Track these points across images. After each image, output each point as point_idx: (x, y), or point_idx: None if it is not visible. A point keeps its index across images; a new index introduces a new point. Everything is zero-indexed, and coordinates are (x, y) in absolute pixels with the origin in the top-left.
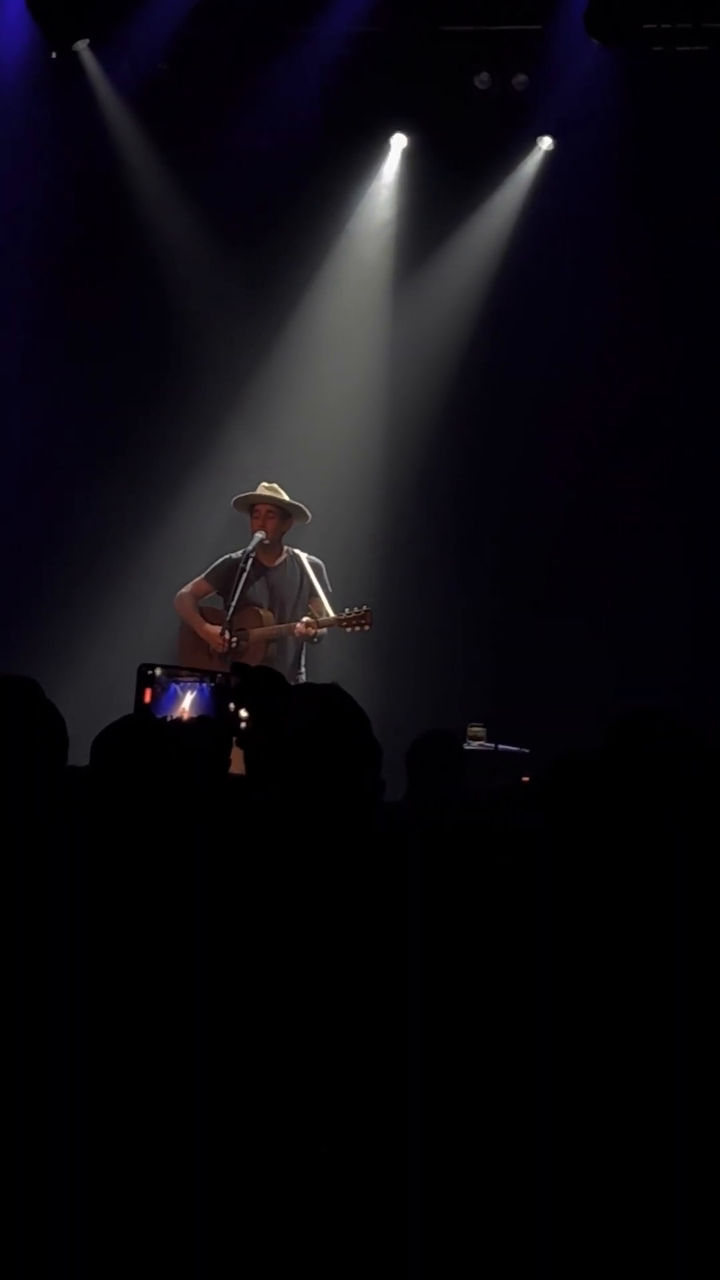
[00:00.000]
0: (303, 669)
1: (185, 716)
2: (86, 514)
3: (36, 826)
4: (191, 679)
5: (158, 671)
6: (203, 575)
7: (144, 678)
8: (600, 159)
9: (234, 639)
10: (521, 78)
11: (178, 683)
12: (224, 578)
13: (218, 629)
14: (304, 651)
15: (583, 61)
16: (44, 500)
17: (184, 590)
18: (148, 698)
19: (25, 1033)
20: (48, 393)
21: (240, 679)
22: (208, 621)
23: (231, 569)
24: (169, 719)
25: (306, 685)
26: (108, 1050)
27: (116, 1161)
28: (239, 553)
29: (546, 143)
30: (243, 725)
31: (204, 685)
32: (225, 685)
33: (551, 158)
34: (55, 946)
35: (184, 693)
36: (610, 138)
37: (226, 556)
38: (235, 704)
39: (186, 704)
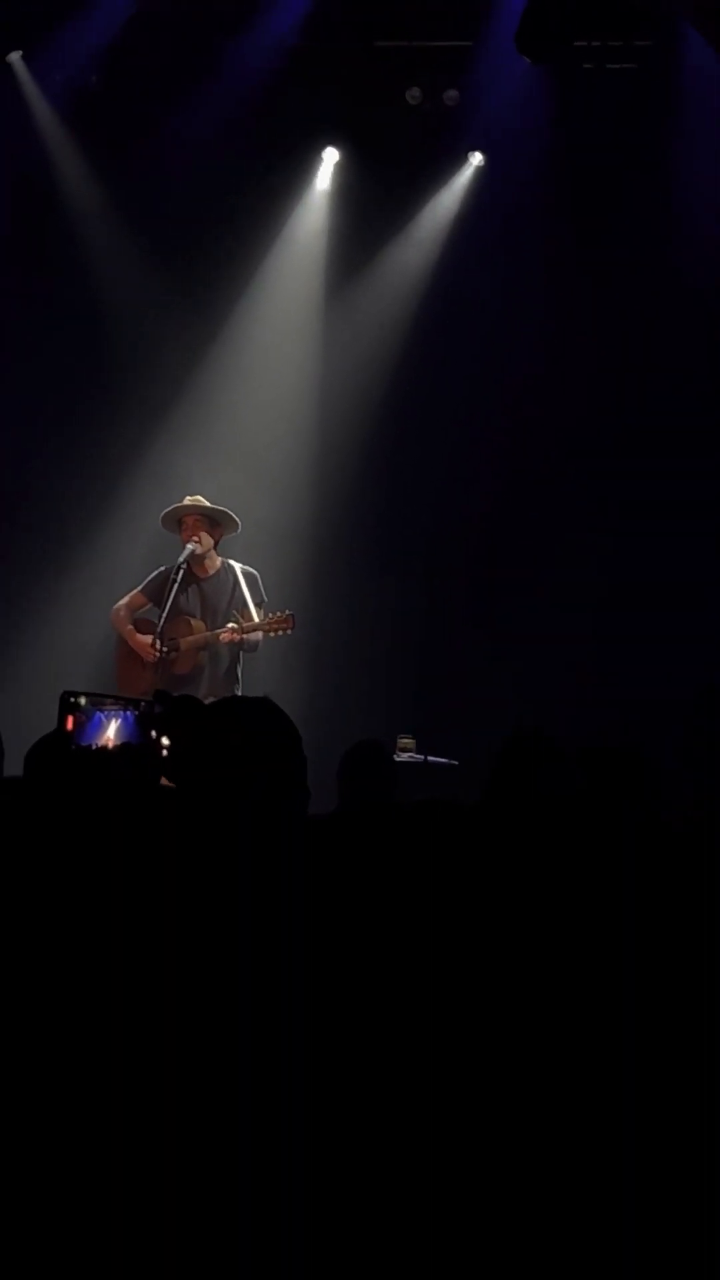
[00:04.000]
0: (239, 679)
1: (110, 744)
2: (18, 528)
3: None
4: (116, 707)
5: (82, 700)
6: (138, 588)
7: (66, 705)
8: (530, 174)
9: (165, 648)
10: (452, 93)
11: (102, 711)
12: (158, 589)
13: (149, 639)
14: (240, 662)
15: (513, 78)
16: None
17: (120, 603)
18: (70, 725)
19: None
20: None
21: (163, 706)
22: (140, 633)
23: (164, 580)
24: (93, 747)
25: (238, 698)
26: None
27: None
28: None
29: (477, 158)
30: (164, 753)
31: (128, 713)
32: (150, 712)
33: (482, 173)
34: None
35: (109, 721)
36: (540, 153)
37: (161, 569)
38: (157, 732)
39: (111, 732)
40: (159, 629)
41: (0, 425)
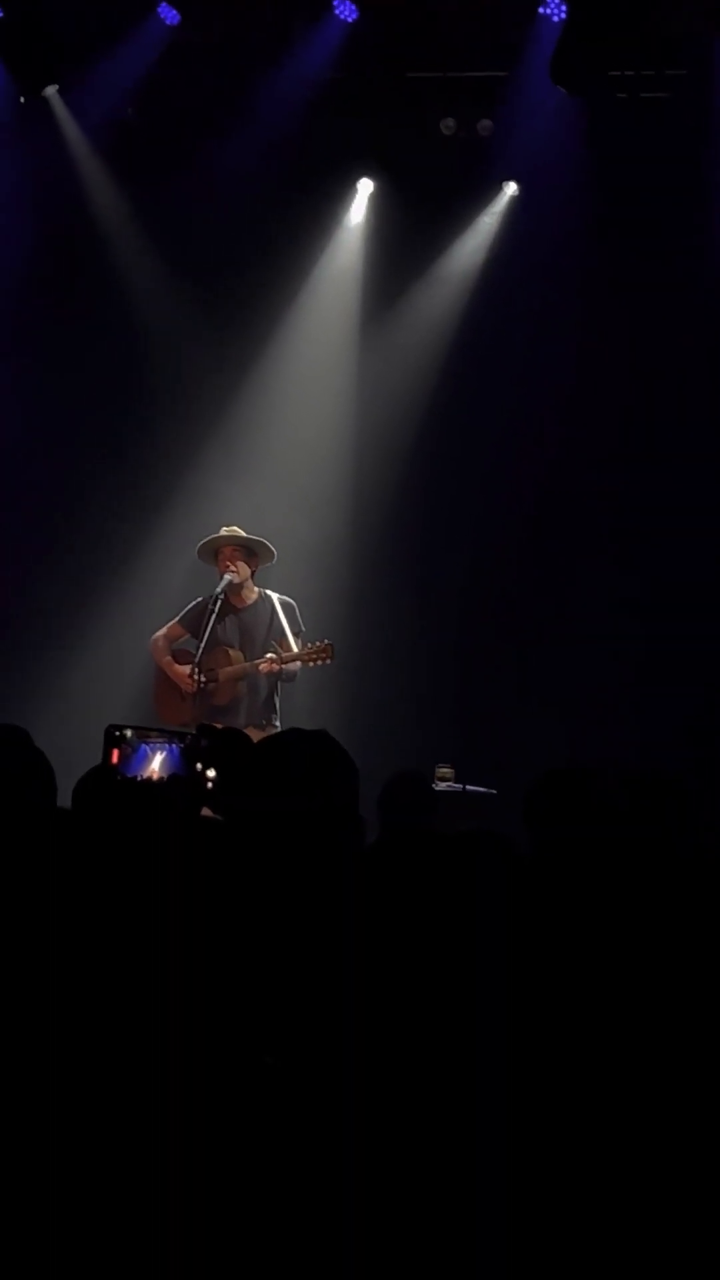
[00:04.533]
0: (276, 709)
1: (155, 776)
2: (59, 556)
3: (30, 864)
4: (161, 739)
5: (128, 733)
6: (176, 619)
7: (111, 738)
8: (564, 203)
9: (203, 679)
10: (486, 123)
11: (148, 743)
12: (196, 620)
13: (187, 669)
14: (278, 691)
15: (547, 107)
16: (11, 552)
17: (158, 634)
18: (115, 758)
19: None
20: (12, 446)
21: (208, 740)
22: (179, 664)
23: (202, 611)
24: (139, 779)
25: (298, 732)
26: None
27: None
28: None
29: (511, 188)
30: (209, 785)
31: (173, 746)
32: (196, 745)
33: (516, 202)
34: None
35: (154, 753)
36: (574, 182)
37: (199, 600)
38: (202, 765)
39: (156, 764)
40: (197, 659)
41: (41, 455)
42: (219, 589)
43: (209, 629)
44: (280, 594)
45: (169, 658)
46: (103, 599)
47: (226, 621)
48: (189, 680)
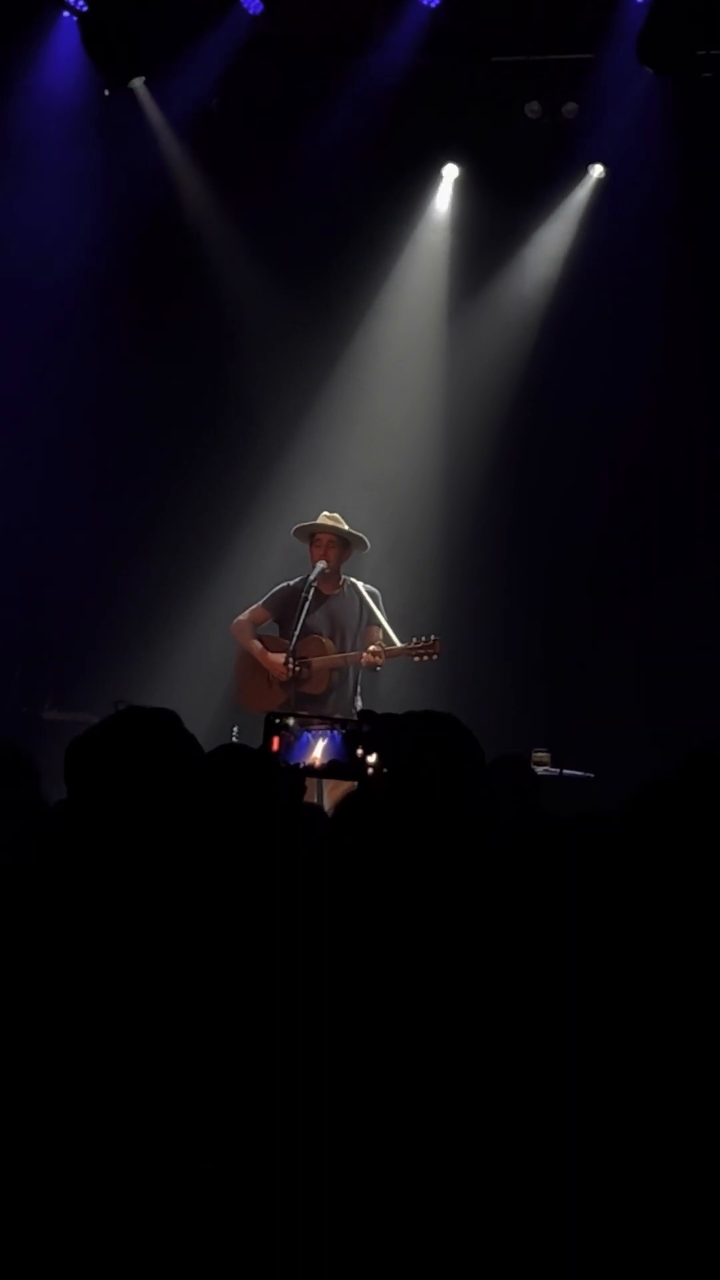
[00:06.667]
0: (359, 698)
1: (317, 763)
2: (147, 545)
3: (195, 852)
4: (323, 726)
5: (290, 721)
6: (260, 603)
7: (272, 726)
8: (650, 185)
9: (296, 667)
10: (571, 106)
11: (310, 731)
12: (281, 606)
13: (280, 657)
14: (359, 678)
15: (633, 89)
16: (105, 535)
17: (241, 617)
18: (276, 746)
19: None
20: (107, 431)
21: (370, 725)
22: (268, 650)
23: (289, 597)
24: (302, 765)
25: (430, 714)
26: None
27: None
28: (296, 581)
29: (597, 170)
30: (369, 771)
31: (335, 732)
32: (358, 731)
33: (602, 185)
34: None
35: (315, 740)
36: (661, 164)
37: (284, 584)
38: (364, 750)
39: (319, 751)
40: (292, 647)
41: (135, 449)
42: (312, 576)
43: (302, 617)
44: (366, 583)
45: (258, 643)
46: (193, 586)
47: (316, 609)
48: (282, 668)
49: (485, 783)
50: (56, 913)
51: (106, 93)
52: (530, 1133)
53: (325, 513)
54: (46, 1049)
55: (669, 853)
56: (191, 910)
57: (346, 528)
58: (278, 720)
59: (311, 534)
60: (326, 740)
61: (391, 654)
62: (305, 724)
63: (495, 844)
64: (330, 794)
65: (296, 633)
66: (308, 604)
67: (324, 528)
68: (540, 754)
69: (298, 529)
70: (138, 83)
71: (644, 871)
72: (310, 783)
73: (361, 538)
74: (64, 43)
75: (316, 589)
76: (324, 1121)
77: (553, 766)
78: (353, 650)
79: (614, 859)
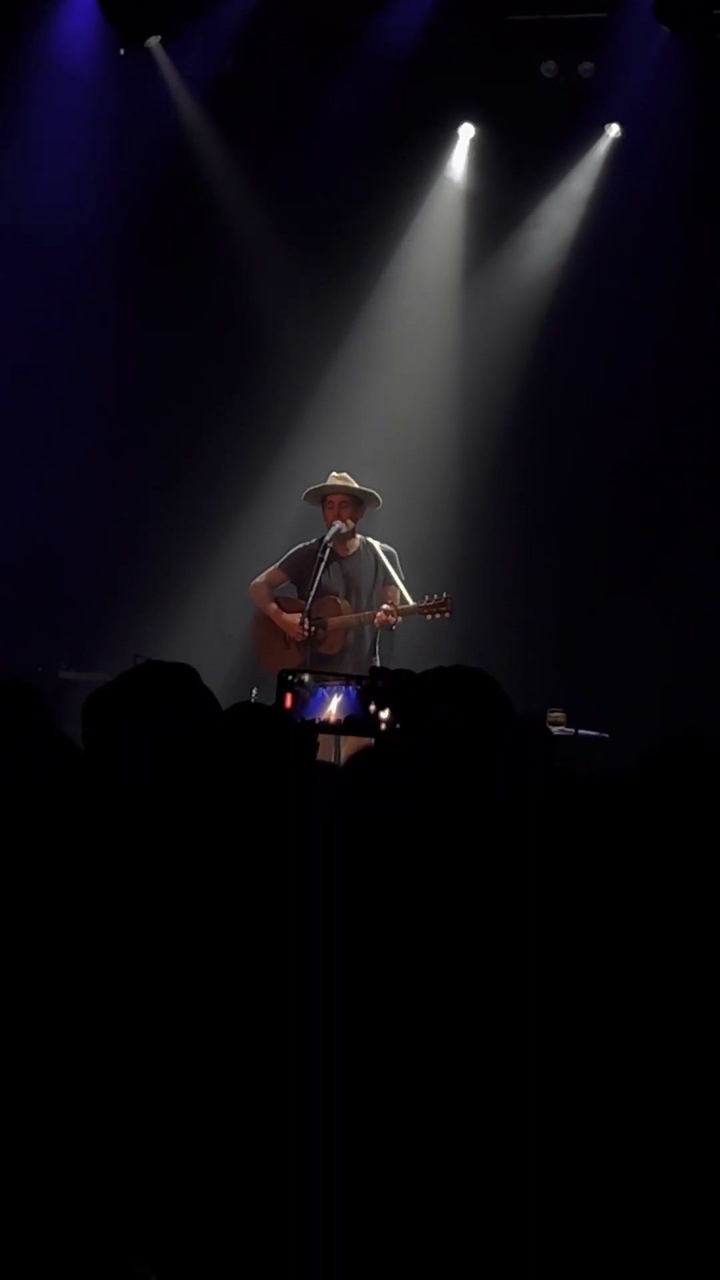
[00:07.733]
0: (377, 656)
1: (332, 719)
2: (163, 507)
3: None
4: (338, 682)
5: (305, 677)
6: (277, 564)
7: (285, 683)
8: (667, 144)
9: (312, 627)
10: (588, 65)
11: (324, 687)
12: (298, 567)
13: (296, 617)
14: (378, 638)
15: (650, 48)
16: (119, 495)
17: (258, 579)
18: (289, 702)
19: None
20: (123, 390)
21: (384, 681)
22: (284, 610)
23: (305, 558)
24: (316, 721)
25: (458, 669)
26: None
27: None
28: (313, 541)
29: (614, 130)
30: (383, 726)
31: (350, 688)
32: (372, 687)
33: (619, 145)
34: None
35: (330, 696)
36: (678, 124)
37: (300, 545)
38: (377, 705)
39: (333, 707)
40: (307, 607)
41: (149, 409)
42: (327, 537)
43: (317, 577)
44: (382, 542)
45: (274, 605)
46: (210, 547)
47: (331, 570)
48: (298, 628)
49: (519, 738)
50: (73, 860)
51: (122, 51)
52: (563, 1096)
53: (334, 473)
54: (53, 991)
55: (686, 811)
56: (206, 866)
57: (356, 486)
58: (291, 677)
59: (323, 496)
60: (341, 696)
61: (403, 612)
62: (320, 680)
63: (531, 800)
64: (346, 751)
65: (312, 593)
66: (323, 564)
67: (335, 488)
68: (555, 714)
69: (309, 492)
70: (153, 41)
71: (661, 831)
72: (326, 741)
73: (373, 494)
74: (77, 4)
75: (332, 549)
76: (341, 1091)
77: (568, 726)
78: (368, 610)
79: (631, 817)
